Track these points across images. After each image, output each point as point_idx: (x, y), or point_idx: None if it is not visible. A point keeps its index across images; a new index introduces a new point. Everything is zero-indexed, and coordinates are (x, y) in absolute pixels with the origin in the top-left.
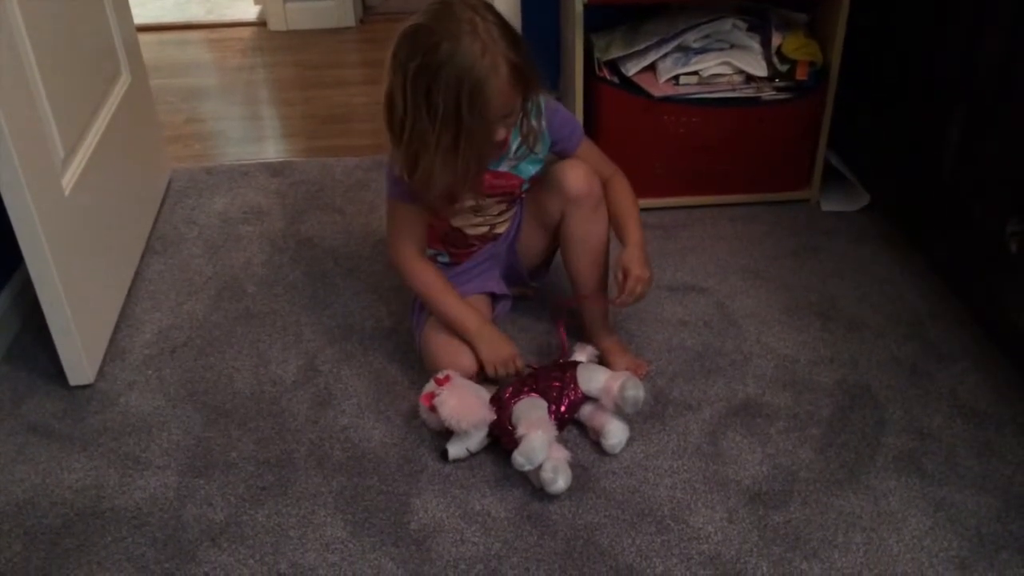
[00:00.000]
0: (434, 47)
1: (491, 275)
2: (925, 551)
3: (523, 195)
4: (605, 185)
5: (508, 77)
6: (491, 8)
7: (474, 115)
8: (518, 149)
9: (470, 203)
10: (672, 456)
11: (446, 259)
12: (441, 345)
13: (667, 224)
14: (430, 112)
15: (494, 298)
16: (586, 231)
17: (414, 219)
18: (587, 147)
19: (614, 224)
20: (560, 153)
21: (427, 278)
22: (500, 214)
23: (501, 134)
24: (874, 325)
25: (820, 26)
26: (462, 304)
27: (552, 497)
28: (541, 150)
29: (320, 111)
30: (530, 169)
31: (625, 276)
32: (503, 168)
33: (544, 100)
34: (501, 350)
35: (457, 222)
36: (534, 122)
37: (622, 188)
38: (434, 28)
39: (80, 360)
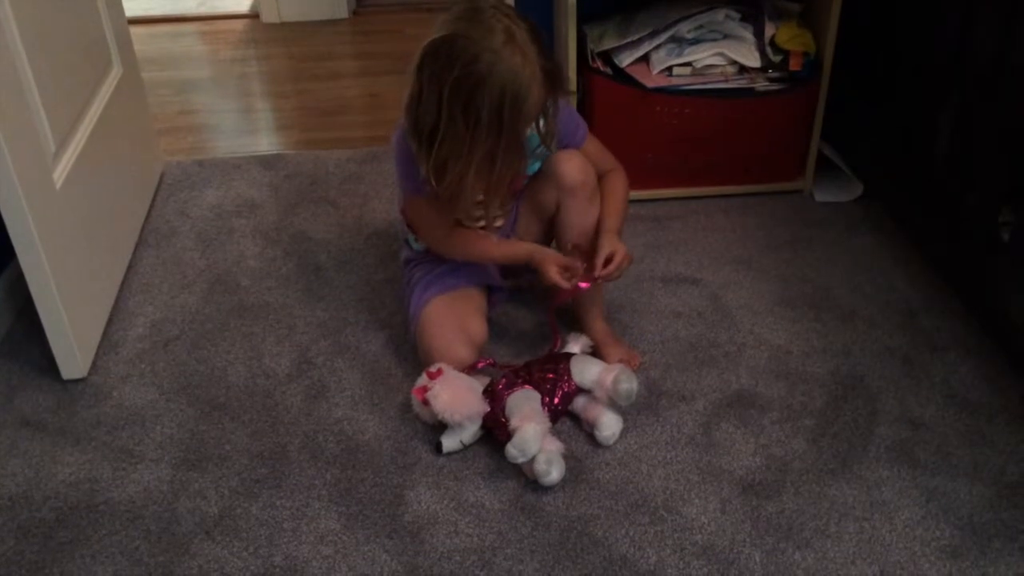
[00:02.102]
0: (474, 59)
1: (486, 266)
2: (918, 540)
3: (523, 188)
4: (602, 178)
5: (543, 84)
6: (519, 13)
7: (516, 125)
8: (536, 148)
9: (479, 199)
10: (666, 447)
11: None
12: (435, 337)
13: (660, 215)
14: (468, 122)
15: (490, 291)
16: (580, 219)
17: (436, 210)
18: (591, 143)
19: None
20: (565, 148)
21: (466, 239)
22: (499, 206)
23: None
24: (867, 315)
25: (813, 16)
26: (508, 242)
27: (546, 488)
28: (555, 148)
29: (313, 103)
30: (535, 165)
31: (609, 260)
32: None
33: None
34: (561, 260)
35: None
36: (552, 121)
37: (617, 181)
38: (472, 38)
39: (73, 354)
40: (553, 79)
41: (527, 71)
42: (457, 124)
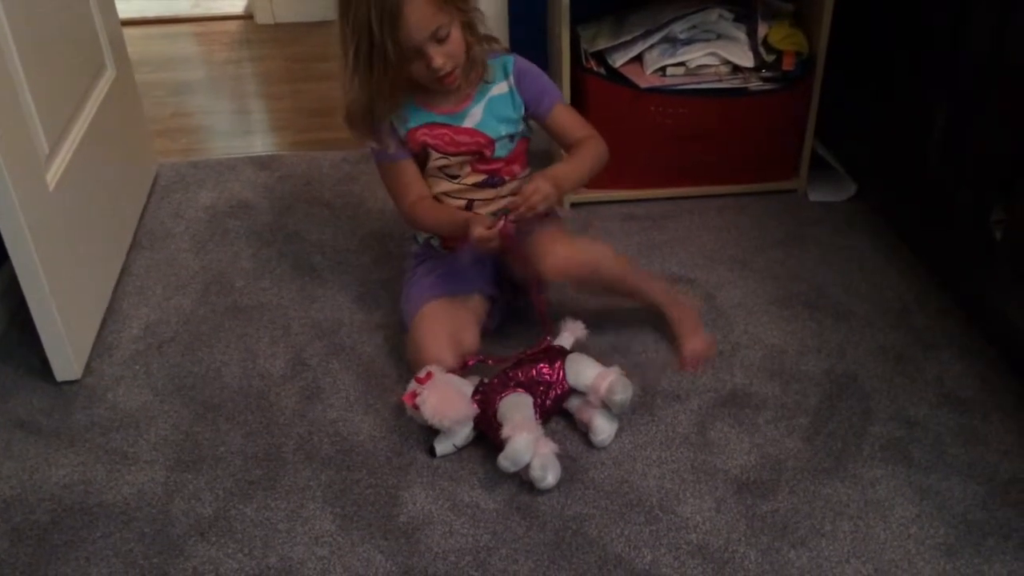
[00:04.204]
0: None
1: (482, 274)
2: (912, 538)
3: (503, 177)
4: (576, 144)
5: (432, 3)
6: None
7: (385, 29)
8: (475, 104)
9: (440, 162)
10: (661, 447)
11: (437, 241)
12: (427, 342)
13: (655, 215)
14: (349, 28)
15: (492, 302)
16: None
17: (403, 173)
18: (562, 111)
19: None
20: (534, 117)
21: (424, 207)
22: (477, 187)
23: (438, 60)
24: (861, 314)
25: (806, 16)
26: (460, 212)
27: (541, 489)
28: (500, 109)
29: (308, 104)
30: (500, 129)
31: (529, 195)
32: (466, 124)
33: (513, 59)
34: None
35: (434, 188)
36: (477, 52)
37: (589, 143)
38: None
39: (67, 356)
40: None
41: None
42: (344, 33)
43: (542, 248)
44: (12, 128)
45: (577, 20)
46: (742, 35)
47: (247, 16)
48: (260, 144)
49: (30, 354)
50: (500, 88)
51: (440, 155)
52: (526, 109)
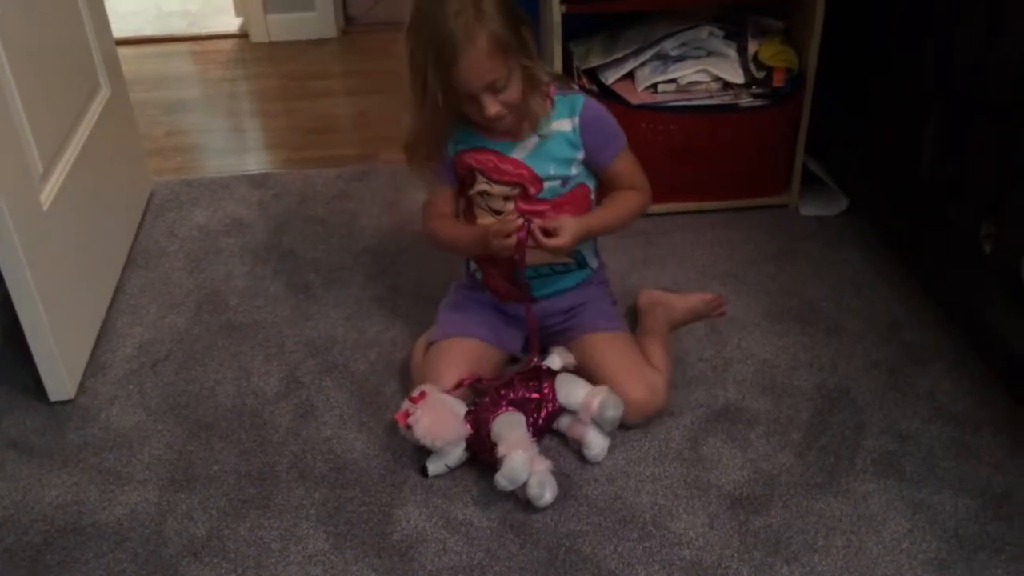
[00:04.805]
0: (422, 3)
1: (506, 330)
2: (904, 553)
3: (533, 215)
4: (620, 193)
5: (485, 47)
6: None
7: (438, 75)
8: (528, 137)
9: (482, 187)
10: (654, 463)
11: (480, 275)
12: (433, 375)
13: (648, 231)
14: (410, 64)
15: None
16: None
17: (438, 196)
18: (623, 160)
19: None
20: (592, 164)
21: (442, 224)
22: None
23: (493, 108)
24: (853, 328)
25: (796, 33)
26: (468, 224)
27: (534, 506)
28: (555, 148)
29: (302, 122)
30: (547, 168)
31: (550, 232)
32: (514, 155)
33: (584, 101)
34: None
35: (477, 213)
36: (534, 103)
37: (629, 196)
38: None
39: (60, 376)
40: (506, 48)
41: (459, 23)
42: (407, 68)
43: (618, 388)
44: (6, 147)
45: (569, 37)
46: (732, 52)
47: (242, 35)
48: (255, 162)
49: (23, 374)
50: (562, 125)
51: (484, 180)
52: (584, 154)
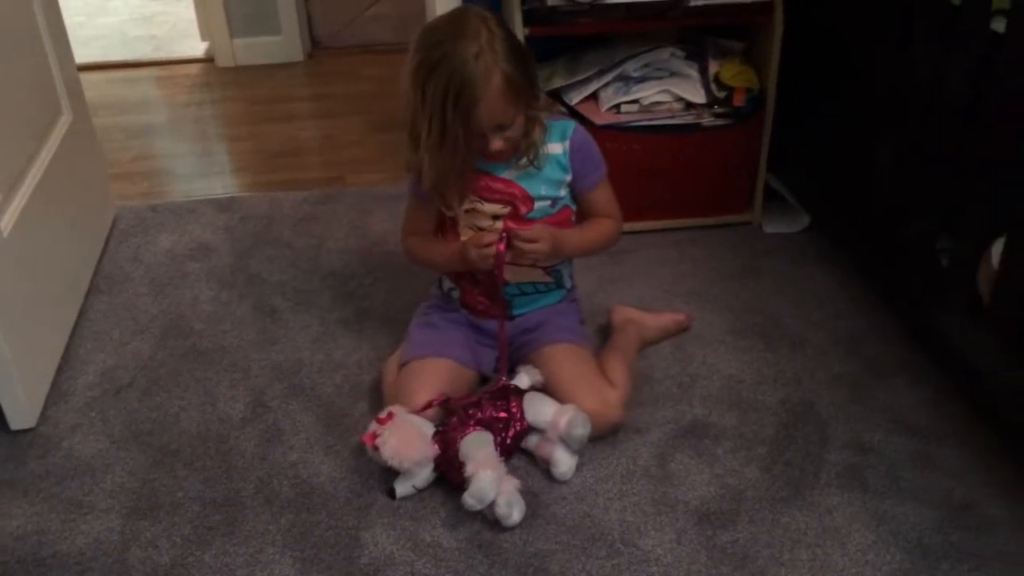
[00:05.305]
0: (437, 44)
1: (479, 349)
2: (869, 564)
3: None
4: (594, 219)
5: (501, 88)
6: (503, 24)
7: (458, 115)
8: (519, 159)
9: (473, 204)
10: (622, 480)
11: (457, 293)
12: (406, 395)
13: (614, 250)
14: (423, 106)
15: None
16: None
17: (420, 214)
18: (602, 191)
19: None
20: (574, 187)
21: (418, 240)
22: (456, 195)
23: (497, 144)
24: (816, 343)
25: (755, 53)
26: (444, 241)
27: (502, 525)
28: (547, 169)
29: (268, 146)
30: (539, 188)
31: (528, 238)
32: (505, 175)
33: (574, 128)
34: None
35: (461, 232)
36: (536, 138)
37: (604, 223)
38: (442, 28)
39: (21, 404)
40: (518, 89)
41: (479, 65)
42: (417, 107)
43: (570, 399)
44: None
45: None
46: (694, 72)
47: (208, 59)
48: (221, 186)
49: None
50: (553, 148)
51: (474, 198)
52: (571, 177)
